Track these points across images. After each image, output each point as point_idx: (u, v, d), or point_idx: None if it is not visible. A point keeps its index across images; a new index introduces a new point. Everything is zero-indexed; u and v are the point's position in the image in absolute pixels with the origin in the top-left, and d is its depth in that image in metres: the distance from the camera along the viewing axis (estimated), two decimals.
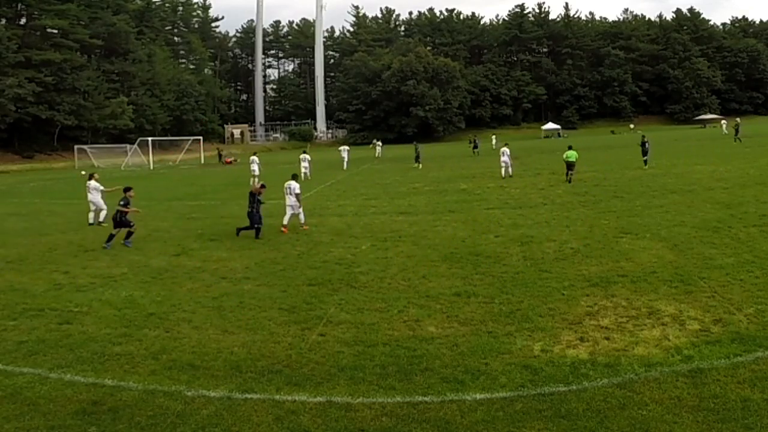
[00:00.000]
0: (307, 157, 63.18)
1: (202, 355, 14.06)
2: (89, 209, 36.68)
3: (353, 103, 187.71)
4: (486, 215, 32.32)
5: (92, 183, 36.43)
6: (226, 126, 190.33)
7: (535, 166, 57.80)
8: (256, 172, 58.65)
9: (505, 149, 52.83)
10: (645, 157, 51.93)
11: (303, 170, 59.64)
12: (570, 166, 44.75)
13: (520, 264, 20.94)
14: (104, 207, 35.93)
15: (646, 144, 52.66)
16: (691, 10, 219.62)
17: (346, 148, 77.61)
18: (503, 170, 50.89)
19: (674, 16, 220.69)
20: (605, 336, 14.10)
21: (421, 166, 66.23)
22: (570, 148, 46.08)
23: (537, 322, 15.23)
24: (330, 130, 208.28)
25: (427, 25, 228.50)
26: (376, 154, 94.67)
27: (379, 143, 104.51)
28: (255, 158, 61.91)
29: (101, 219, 35.74)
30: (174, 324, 16.37)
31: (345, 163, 72.90)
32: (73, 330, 16.29)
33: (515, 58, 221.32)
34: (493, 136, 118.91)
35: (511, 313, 15.95)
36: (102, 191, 36.29)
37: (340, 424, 10.91)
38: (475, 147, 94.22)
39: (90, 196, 36.33)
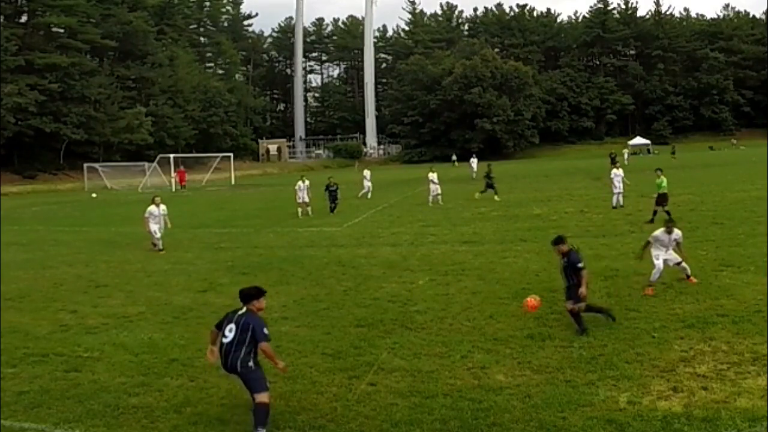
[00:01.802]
0: (367, 173, 68.38)
1: (232, 408, 14.13)
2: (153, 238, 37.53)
3: (409, 115, 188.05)
4: None
5: (156, 208, 37.41)
6: (260, 141, 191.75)
7: None
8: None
9: (618, 172, 48.30)
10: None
11: (366, 187, 65.55)
12: (663, 198, 40.40)
13: (604, 302, 20.83)
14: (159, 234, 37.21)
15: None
16: None
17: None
18: (614, 198, 46.94)
19: None
20: (702, 386, 14.02)
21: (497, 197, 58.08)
22: (659, 171, 42.18)
23: (623, 369, 15.19)
24: (381, 146, 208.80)
25: (495, 23, 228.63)
26: (473, 175, 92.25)
27: (475, 160, 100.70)
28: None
29: (160, 246, 36.82)
30: (200, 372, 16.42)
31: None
32: (83, 378, 16.41)
33: (597, 62, 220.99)
34: (625, 150, 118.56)
35: (592, 359, 15.97)
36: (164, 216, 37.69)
37: None
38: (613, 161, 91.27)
39: (151, 225, 37.21)
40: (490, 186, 58.97)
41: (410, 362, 16.42)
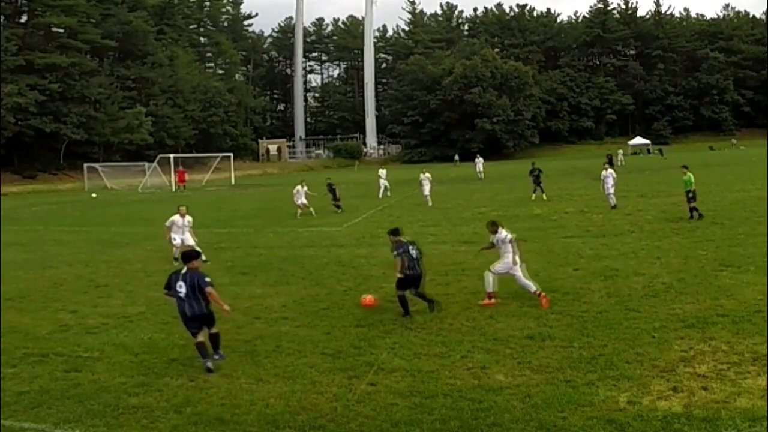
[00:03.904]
0: (383, 172, 69.43)
1: (232, 408, 14.11)
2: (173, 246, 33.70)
3: (408, 115, 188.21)
4: (563, 245, 32.27)
5: (180, 219, 33.56)
6: (260, 141, 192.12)
7: (620, 187, 57.49)
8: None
9: (611, 172, 48.22)
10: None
11: (382, 186, 66.71)
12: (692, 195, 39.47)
13: (604, 302, 20.91)
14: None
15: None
16: None
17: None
18: (611, 199, 46.55)
19: None
20: (702, 386, 13.99)
21: (545, 195, 56.38)
22: (685, 169, 40.53)
23: (623, 369, 15.15)
24: (381, 146, 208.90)
25: (495, 23, 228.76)
26: (479, 175, 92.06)
27: (481, 159, 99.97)
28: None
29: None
30: (200, 371, 16.45)
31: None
32: (83, 378, 16.40)
33: (597, 62, 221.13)
34: (620, 151, 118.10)
35: (592, 359, 15.92)
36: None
37: None
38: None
39: (176, 235, 33.42)
40: (537, 185, 57.88)
41: (410, 362, 16.38)
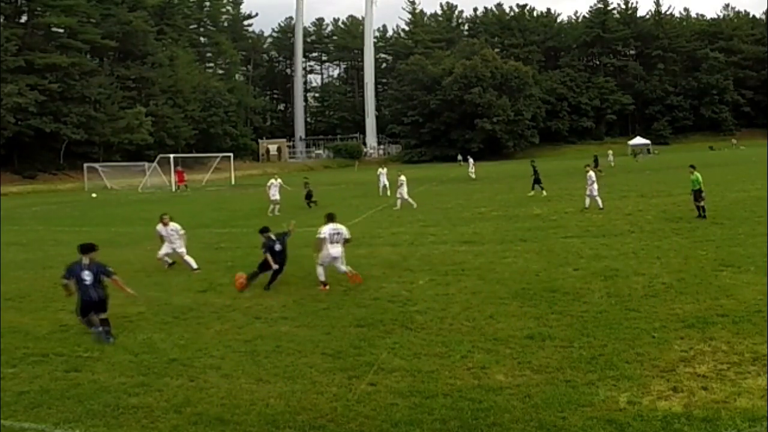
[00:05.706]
0: (384, 171, 70.72)
1: (232, 408, 14.09)
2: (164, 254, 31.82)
3: (409, 115, 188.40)
4: (563, 245, 32.22)
5: (163, 228, 31.39)
6: (260, 141, 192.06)
7: (620, 187, 57.31)
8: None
9: (591, 174, 47.32)
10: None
11: (381, 185, 68.20)
12: (698, 194, 39.71)
13: (604, 302, 20.85)
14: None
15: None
16: None
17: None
18: (598, 200, 46.03)
19: None
20: (702, 386, 13.98)
21: (545, 192, 58.24)
22: (693, 168, 40.97)
23: (623, 369, 15.13)
24: (381, 146, 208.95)
25: (495, 23, 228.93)
26: (470, 175, 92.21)
27: (471, 160, 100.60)
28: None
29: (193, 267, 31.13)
30: (200, 371, 16.44)
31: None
32: (83, 378, 16.37)
33: (597, 62, 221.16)
34: (610, 152, 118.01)
35: (592, 359, 15.89)
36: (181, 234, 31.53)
37: None
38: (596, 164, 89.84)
39: (168, 244, 31.33)
40: (537, 182, 58.90)
41: (410, 362, 16.35)
